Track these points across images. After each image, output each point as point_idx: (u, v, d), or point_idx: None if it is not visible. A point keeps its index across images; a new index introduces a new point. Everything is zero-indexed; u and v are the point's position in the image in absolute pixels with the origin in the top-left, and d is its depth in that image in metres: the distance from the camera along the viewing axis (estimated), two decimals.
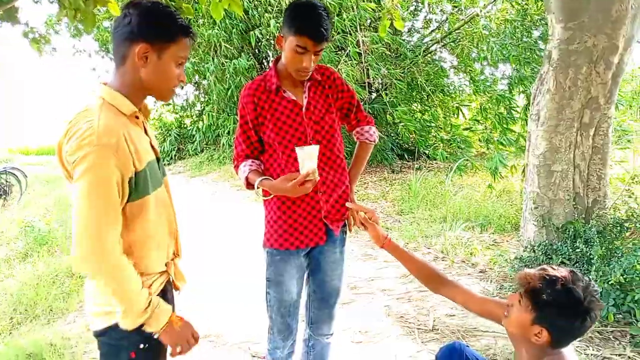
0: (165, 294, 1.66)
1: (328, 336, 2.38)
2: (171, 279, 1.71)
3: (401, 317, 3.54)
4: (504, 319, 1.73)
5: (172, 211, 1.70)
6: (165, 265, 1.65)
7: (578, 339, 1.68)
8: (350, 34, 7.92)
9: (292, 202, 2.10)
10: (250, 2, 9.12)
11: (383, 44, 8.15)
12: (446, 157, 7.94)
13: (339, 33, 8.10)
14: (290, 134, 2.06)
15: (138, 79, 1.49)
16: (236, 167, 2.18)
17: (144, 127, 1.60)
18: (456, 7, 9.20)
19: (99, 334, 1.55)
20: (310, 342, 2.38)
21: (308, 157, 1.92)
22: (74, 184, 1.37)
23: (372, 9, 7.66)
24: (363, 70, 8.02)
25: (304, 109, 2.08)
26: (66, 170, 1.44)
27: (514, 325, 1.65)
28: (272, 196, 2.11)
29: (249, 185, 2.11)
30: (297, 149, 1.93)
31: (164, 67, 1.49)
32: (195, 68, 10.58)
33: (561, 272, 1.58)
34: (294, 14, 1.93)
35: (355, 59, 7.87)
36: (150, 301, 1.48)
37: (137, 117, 1.54)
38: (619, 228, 3.51)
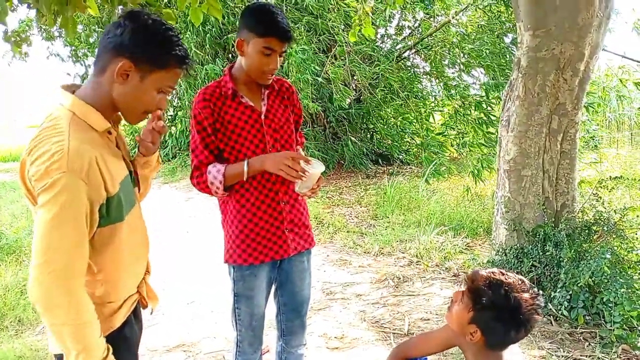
0: (136, 313, 1.60)
1: (301, 347, 2.35)
2: (143, 297, 1.62)
3: (376, 322, 3.56)
4: (446, 313, 1.75)
5: (144, 229, 1.61)
6: (137, 286, 1.57)
7: (518, 343, 1.71)
8: (337, 34, 7.95)
9: (253, 214, 2.03)
10: (227, 7, 9.07)
11: (366, 45, 8.20)
12: (421, 161, 8.04)
13: (323, 34, 8.12)
14: (249, 141, 2.00)
15: (111, 94, 1.38)
16: (200, 176, 2.00)
17: (116, 140, 1.48)
18: (428, 14, 9.33)
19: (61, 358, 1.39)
20: (284, 355, 2.34)
21: (311, 178, 1.90)
22: (38, 211, 1.26)
23: (355, 10, 7.71)
24: (347, 71, 8.05)
25: (263, 116, 2.03)
26: (29, 193, 1.32)
27: (453, 320, 1.68)
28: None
29: (225, 188, 1.97)
30: (307, 167, 1.89)
31: (143, 90, 1.38)
32: None
33: (510, 278, 1.59)
34: (257, 16, 1.91)
35: (341, 60, 7.90)
36: (107, 354, 1.33)
37: (109, 133, 1.42)
38: (587, 231, 3.59)
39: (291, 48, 7.70)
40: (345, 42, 7.91)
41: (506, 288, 1.55)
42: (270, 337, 2.70)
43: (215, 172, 1.96)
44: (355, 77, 8.26)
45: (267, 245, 2.06)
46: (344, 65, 7.94)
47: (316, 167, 1.91)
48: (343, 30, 7.98)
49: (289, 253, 2.11)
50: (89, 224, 1.31)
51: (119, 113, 1.48)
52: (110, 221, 1.38)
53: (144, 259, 1.60)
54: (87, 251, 1.31)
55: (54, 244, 1.24)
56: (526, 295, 1.55)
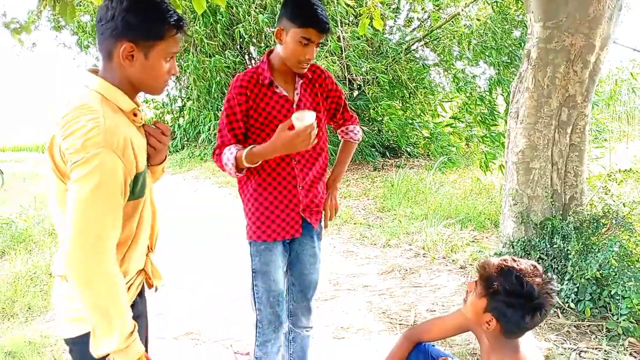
0: (142, 292, 1.62)
1: (308, 329, 2.41)
2: (148, 275, 1.63)
3: (383, 312, 3.57)
4: (463, 304, 1.75)
5: (154, 210, 1.64)
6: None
7: (532, 330, 1.70)
8: (333, 28, 7.94)
9: (269, 193, 2.11)
10: None
11: (364, 40, 8.19)
12: (429, 153, 8.02)
13: None
14: None
15: (126, 76, 1.41)
16: (219, 155, 2.08)
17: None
18: (437, 6, 9.27)
19: (74, 342, 1.42)
20: (291, 335, 2.41)
21: (305, 118, 1.87)
22: (72, 185, 1.27)
23: (351, 6, 7.70)
24: (344, 66, 8.05)
25: (294, 105, 2.10)
26: (57, 168, 1.33)
27: (469, 311, 1.68)
28: (258, 163, 2.00)
29: (238, 169, 2.02)
30: (294, 116, 1.87)
31: (152, 65, 1.40)
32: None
33: (521, 264, 1.59)
34: (297, 7, 1.96)
35: (336, 55, 7.90)
36: (134, 328, 1.36)
37: (135, 114, 1.45)
38: (595, 224, 3.57)
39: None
40: (343, 37, 7.90)
41: (518, 274, 1.56)
42: None
43: (229, 154, 2.02)
44: (351, 72, 8.25)
45: (280, 225, 2.14)
46: (341, 59, 7.95)
47: (308, 117, 1.89)
48: (342, 24, 7.96)
49: (300, 232, 2.19)
50: (123, 198, 1.35)
51: (137, 100, 1.50)
52: (135, 197, 1.41)
53: (149, 235, 1.62)
54: (120, 225, 1.34)
55: (91, 217, 1.26)
56: (539, 280, 1.55)
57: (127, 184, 1.35)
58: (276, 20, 2.11)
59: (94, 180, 1.25)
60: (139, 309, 1.56)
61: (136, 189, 1.40)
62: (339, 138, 2.45)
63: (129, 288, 1.49)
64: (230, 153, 2.02)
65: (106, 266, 1.28)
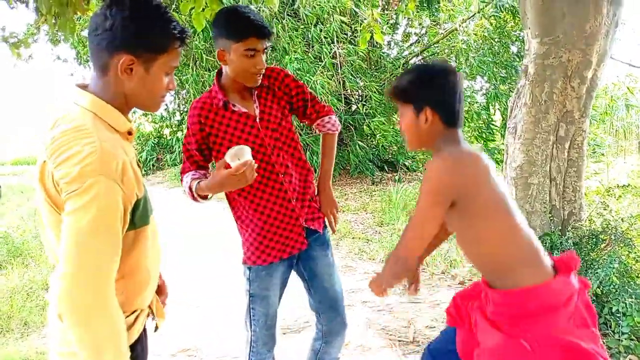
0: (145, 330, 1.52)
1: (339, 352, 2.36)
2: (152, 312, 1.52)
3: (382, 328, 3.54)
4: (406, 140, 1.72)
5: (158, 234, 1.53)
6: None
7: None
8: (327, 45, 8.02)
9: (267, 216, 2.06)
10: None
11: (359, 57, 8.26)
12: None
13: (316, 44, 8.19)
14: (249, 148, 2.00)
15: (122, 91, 1.30)
16: (181, 180, 2.11)
17: None
18: (435, 22, 9.37)
19: None
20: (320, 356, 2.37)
21: (239, 155, 1.79)
22: (68, 216, 1.16)
23: (347, 23, 7.79)
24: (339, 82, 8.11)
25: (258, 119, 2.02)
26: (49, 196, 1.22)
27: (405, 129, 1.66)
28: (211, 197, 2.00)
29: (193, 198, 2.00)
30: (227, 155, 1.80)
31: (152, 80, 1.30)
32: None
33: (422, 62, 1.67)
34: (229, 22, 1.89)
35: (331, 71, 7.97)
36: None
37: (129, 134, 1.34)
38: (594, 240, 3.56)
39: (287, 54, 7.77)
40: (339, 54, 7.99)
41: (421, 62, 1.64)
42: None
43: (185, 182, 2.03)
44: (346, 89, 8.33)
45: (284, 243, 2.09)
46: (336, 75, 8.02)
47: (243, 155, 1.81)
48: (338, 40, 8.04)
49: (306, 244, 2.13)
50: (122, 229, 1.24)
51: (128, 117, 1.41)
52: (136, 225, 1.30)
53: (160, 266, 1.52)
54: (119, 258, 1.23)
55: (89, 251, 1.15)
56: (443, 62, 1.62)
57: (127, 213, 1.24)
58: (214, 42, 2.01)
59: (91, 212, 1.15)
60: (143, 347, 1.47)
61: (136, 217, 1.29)
62: (317, 133, 2.35)
63: (134, 323, 1.38)
64: (185, 182, 2.02)
65: (105, 305, 1.18)
